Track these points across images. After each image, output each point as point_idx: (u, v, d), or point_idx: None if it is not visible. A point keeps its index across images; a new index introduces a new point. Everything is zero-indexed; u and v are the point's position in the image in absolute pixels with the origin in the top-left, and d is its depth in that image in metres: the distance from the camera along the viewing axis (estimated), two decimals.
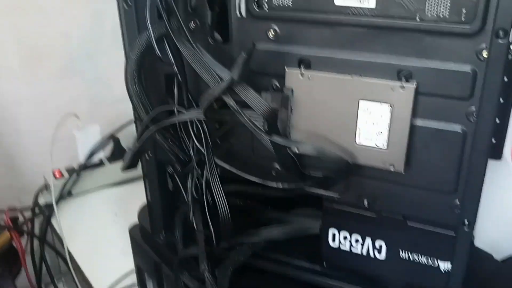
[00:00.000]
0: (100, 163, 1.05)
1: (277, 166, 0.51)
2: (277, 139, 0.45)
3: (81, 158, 1.02)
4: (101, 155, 1.04)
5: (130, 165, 0.53)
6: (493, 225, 0.59)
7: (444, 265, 0.49)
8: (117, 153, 1.06)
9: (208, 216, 0.55)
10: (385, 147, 0.44)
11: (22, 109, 1.03)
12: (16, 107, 1.02)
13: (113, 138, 1.04)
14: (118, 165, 1.06)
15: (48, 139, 1.00)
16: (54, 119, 1.03)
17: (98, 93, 1.11)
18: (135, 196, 1.00)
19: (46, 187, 1.03)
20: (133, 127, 1.06)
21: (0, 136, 1.02)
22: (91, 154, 1.02)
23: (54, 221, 0.98)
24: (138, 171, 1.07)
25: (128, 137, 1.09)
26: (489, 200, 0.50)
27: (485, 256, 0.59)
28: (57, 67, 1.06)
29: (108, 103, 1.12)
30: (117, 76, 1.16)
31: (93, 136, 1.02)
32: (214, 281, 0.53)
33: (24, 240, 0.95)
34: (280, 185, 0.50)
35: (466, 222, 0.45)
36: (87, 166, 1.03)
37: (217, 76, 0.44)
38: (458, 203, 0.45)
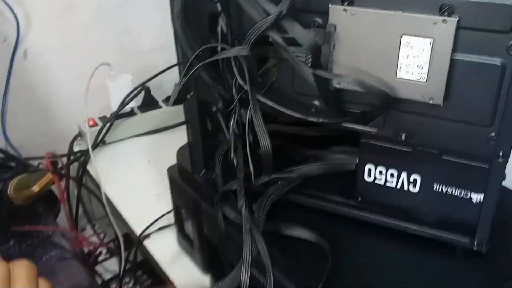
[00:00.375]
0: (132, 113, 1.08)
1: (316, 103, 0.53)
2: (321, 72, 0.46)
3: (114, 107, 1.05)
4: (133, 104, 1.07)
5: (177, 101, 0.55)
6: None
7: (477, 197, 0.51)
8: (148, 102, 1.09)
9: (248, 153, 0.57)
10: (425, 80, 0.46)
11: (56, 59, 1.05)
12: (49, 56, 1.05)
13: (144, 88, 1.07)
14: (149, 114, 1.10)
15: (82, 89, 1.03)
16: (86, 69, 1.06)
17: (129, 44, 1.13)
18: (166, 144, 1.04)
19: (80, 135, 1.07)
20: (162, 78, 1.09)
21: (35, 85, 1.05)
22: (123, 103, 1.04)
23: (89, 168, 1.02)
24: (167, 121, 1.10)
25: (158, 87, 1.12)
26: None
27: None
28: (88, 18, 1.07)
29: (138, 54, 1.14)
30: (147, 27, 1.19)
31: (125, 86, 1.04)
32: (250, 216, 0.56)
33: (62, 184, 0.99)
34: (320, 120, 0.52)
35: (501, 154, 0.47)
36: (120, 115, 1.06)
37: (263, 11, 0.46)
38: (493, 135, 0.47)
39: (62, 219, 1.00)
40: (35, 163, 0.98)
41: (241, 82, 0.52)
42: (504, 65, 0.44)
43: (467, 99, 0.46)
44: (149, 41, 1.15)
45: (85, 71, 1.06)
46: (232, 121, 0.57)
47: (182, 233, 0.76)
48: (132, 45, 1.14)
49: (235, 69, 0.52)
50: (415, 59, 0.45)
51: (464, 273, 0.53)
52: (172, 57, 1.16)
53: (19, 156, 1.02)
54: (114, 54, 1.11)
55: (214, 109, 0.58)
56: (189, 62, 0.52)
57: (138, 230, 0.84)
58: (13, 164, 0.91)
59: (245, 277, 0.49)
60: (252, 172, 0.57)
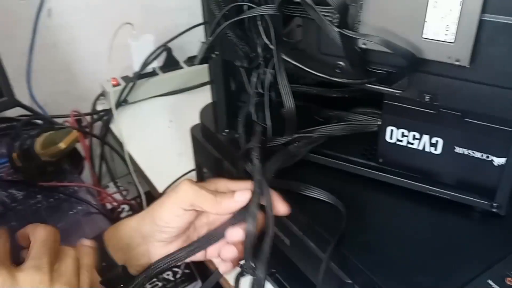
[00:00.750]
0: (154, 73, 1.09)
1: (341, 63, 0.53)
2: (347, 31, 0.47)
3: (136, 67, 1.06)
4: (155, 64, 1.08)
5: (203, 60, 0.56)
6: None
7: (499, 160, 0.51)
8: (170, 63, 1.10)
9: (269, 110, 0.58)
10: (452, 41, 0.46)
11: (79, 17, 1.06)
12: (73, 15, 1.05)
13: (166, 48, 1.07)
14: (171, 74, 1.11)
15: (104, 48, 1.04)
16: (108, 28, 1.06)
17: (151, 3, 1.13)
18: (187, 104, 1.05)
19: (103, 94, 1.08)
20: (183, 39, 1.09)
21: (59, 44, 1.06)
22: (146, 63, 1.05)
23: (112, 126, 1.04)
24: (188, 82, 1.11)
25: (180, 48, 1.12)
26: None
27: None
28: None
29: (160, 13, 1.14)
30: None
31: (147, 46, 1.05)
32: (262, 168, 0.56)
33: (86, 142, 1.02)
34: (345, 80, 0.52)
35: None
36: (142, 75, 1.07)
37: None
38: None
39: (86, 176, 1.03)
40: (59, 121, 1.00)
41: (267, 41, 0.53)
42: None
43: (494, 61, 0.46)
44: (172, 0, 1.15)
45: (107, 30, 1.07)
46: (255, 78, 0.57)
47: None
48: (155, 4, 1.14)
49: (261, 28, 0.52)
50: (443, 20, 0.45)
51: (482, 234, 0.54)
52: (193, 17, 1.16)
53: (44, 114, 1.04)
54: (136, 13, 1.12)
55: (239, 63, 0.58)
56: (217, 20, 0.53)
57: (160, 188, 0.86)
58: (39, 121, 0.93)
59: (251, 226, 0.51)
60: (270, 127, 0.58)
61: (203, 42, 0.55)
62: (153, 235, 0.54)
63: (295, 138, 0.59)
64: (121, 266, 0.52)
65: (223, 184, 0.55)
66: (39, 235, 0.47)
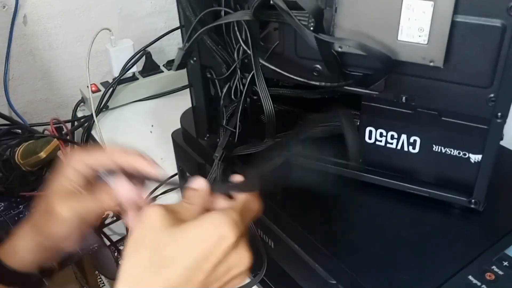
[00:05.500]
0: (134, 77, 1.08)
1: (318, 66, 0.54)
2: (323, 36, 0.47)
3: (115, 72, 1.06)
4: (134, 69, 1.07)
5: (180, 66, 0.56)
6: None
7: (475, 157, 0.52)
8: (150, 67, 1.09)
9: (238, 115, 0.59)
10: (426, 43, 0.46)
11: (55, 24, 1.05)
12: (49, 21, 1.04)
13: (145, 53, 1.07)
14: (151, 79, 1.10)
15: (83, 54, 1.04)
16: (86, 34, 1.06)
17: (128, 8, 1.12)
18: (168, 108, 1.05)
19: (83, 100, 1.07)
20: (162, 42, 1.08)
21: (36, 51, 1.05)
22: (125, 68, 1.05)
23: (93, 133, 1.03)
24: (169, 86, 1.11)
25: (159, 52, 1.12)
26: None
27: (510, 153, 0.62)
28: None
29: (138, 18, 1.14)
30: None
31: (127, 51, 1.04)
32: (221, 167, 0.59)
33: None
34: (322, 84, 0.52)
35: (499, 115, 0.48)
36: (121, 80, 1.06)
37: None
38: (492, 96, 0.48)
39: None
40: (39, 129, 0.99)
41: (244, 47, 0.53)
42: (504, 27, 0.44)
43: (467, 61, 0.47)
44: (149, 4, 1.14)
45: (85, 36, 1.06)
46: (228, 86, 0.58)
47: None
48: (132, 8, 1.13)
49: (237, 34, 0.53)
50: (416, 22, 0.46)
51: (461, 230, 0.54)
52: (172, 21, 1.16)
53: (23, 123, 1.03)
54: (114, 18, 1.11)
55: (213, 75, 0.59)
56: (192, 26, 0.53)
57: (143, 193, 0.86)
58: (18, 131, 0.92)
59: None
60: (237, 131, 0.59)
61: (179, 48, 0.55)
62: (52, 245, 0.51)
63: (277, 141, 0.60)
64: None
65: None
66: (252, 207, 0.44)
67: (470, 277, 0.48)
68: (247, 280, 0.43)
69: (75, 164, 0.49)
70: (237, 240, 0.38)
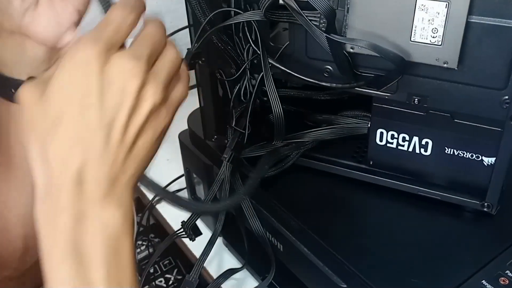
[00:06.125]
0: None
1: (329, 67, 0.53)
2: (335, 36, 0.46)
3: None
4: None
5: (189, 66, 0.55)
6: None
7: (488, 160, 0.52)
8: None
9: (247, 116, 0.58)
10: (440, 44, 0.46)
11: None
12: None
13: None
14: None
15: None
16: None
17: None
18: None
19: None
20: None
21: None
22: None
23: None
24: None
25: None
26: None
27: None
28: None
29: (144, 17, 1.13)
30: None
31: None
32: (230, 169, 0.58)
33: None
34: (333, 85, 0.52)
35: None
36: None
37: None
38: (507, 98, 0.47)
39: None
40: None
41: (254, 47, 0.52)
42: None
43: (482, 62, 0.46)
44: (155, 4, 1.14)
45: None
46: (237, 87, 0.57)
47: (194, 197, 0.77)
48: None
49: (247, 34, 0.52)
50: (430, 23, 0.45)
51: (474, 234, 0.54)
52: (178, 21, 1.15)
53: None
54: None
55: (222, 76, 0.58)
56: (202, 27, 0.52)
57: (149, 195, 0.85)
58: None
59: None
60: (246, 132, 0.58)
61: (188, 49, 0.54)
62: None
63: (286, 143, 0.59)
64: None
65: None
66: (146, 28, 0.37)
67: (484, 282, 0.47)
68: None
69: None
70: (106, 60, 0.32)
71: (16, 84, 0.44)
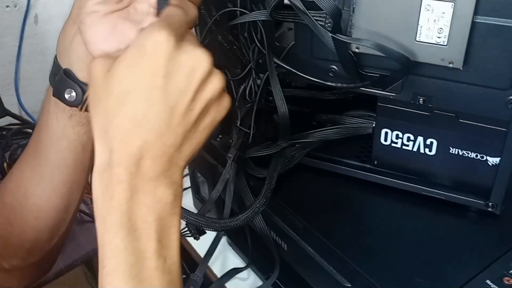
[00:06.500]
0: None
1: (334, 67, 0.53)
2: (341, 36, 0.46)
3: None
4: None
5: None
6: None
7: (493, 160, 0.52)
8: None
9: (253, 116, 0.58)
10: (445, 44, 0.46)
11: None
12: (60, 21, 1.04)
13: None
14: None
15: None
16: None
17: None
18: None
19: None
20: None
21: (46, 51, 1.05)
22: None
23: None
24: None
25: None
26: None
27: None
28: None
29: None
30: None
31: None
32: (234, 168, 0.58)
33: None
34: (338, 85, 0.52)
35: None
36: None
37: None
38: None
39: None
40: None
41: (260, 47, 0.53)
42: None
43: (487, 62, 0.46)
44: None
45: None
46: (242, 87, 0.57)
47: (198, 196, 0.77)
48: None
49: (253, 34, 0.52)
50: (436, 23, 0.45)
51: (478, 234, 0.54)
52: None
53: (34, 122, 1.03)
54: None
55: (228, 76, 0.58)
56: (208, 27, 0.52)
57: None
58: (29, 130, 0.92)
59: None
60: (251, 132, 0.59)
61: None
62: (82, 8, 0.41)
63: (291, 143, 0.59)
64: (63, 69, 0.45)
65: None
66: None
67: (488, 282, 0.47)
68: None
69: None
70: (177, 45, 0.34)
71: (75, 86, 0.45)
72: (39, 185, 0.50)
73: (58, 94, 0.45)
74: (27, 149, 0.52)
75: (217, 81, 0.35)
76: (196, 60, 0.34)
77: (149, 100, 0.33)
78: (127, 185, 0.34)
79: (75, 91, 0.45)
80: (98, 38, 0.40)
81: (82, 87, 0.44)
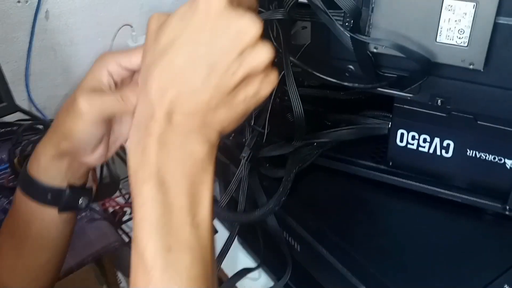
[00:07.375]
0: None
1: (351, 67, 0.53)
2: (360, 36, 0.46)
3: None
4: None
5: None
6: None
7: (511, 162, 0.51)
8: None
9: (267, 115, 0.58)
10: (466, 45, 0.45)
11: (77, 19, 1.04)
12: (70, 17, 1.04)
13: None
14: None
15: (103, 50, 1.02)
16: (107, 30, 1.05)
17: (149, 4, 1.12)
18: None
19: None
20: None
21: (57, 46, 1.05)
22: None
23: None
24: None
25: None
26: None
27: None
28: None
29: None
30: None
31: None
32: (248, 168, 0.58)
33: None
34: (355, 85, 0.51)
35: None
36: None
37: None
38: None
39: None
40: None
41: (276, 45, 0.52)
42: None
43: (508, 64, 0.45)
44: (171, 2, 1.13)
45: (106, 32, 1.05)
46: None
47: None
48: (154, 4, 1.12)
49: (270, 32, 0.52)
50: (457, 23, 0.45)
51: (495, 237, 0.53)
52: None
53: (44, 118, 1.03)
54: (136, 14, 1.10)
55: None
56: None
57: None
58: (40, 126, 0.92)
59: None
60: (266, 131, 0.58)
61: None
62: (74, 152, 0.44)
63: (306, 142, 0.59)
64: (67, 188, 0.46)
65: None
66: None
67: (506, 286, 0.47)
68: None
69: (107, 63, 0.43)
70: (229, 6, 0.33)
71: (53, 190, 0.45)
72: (25, 273, 0.50)
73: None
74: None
75: (264, 51, 0.34)
76: (246, 23, 0.33)
77: (189, 53, 0.33)
78: (157, 137, 0.34)
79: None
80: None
81: None
